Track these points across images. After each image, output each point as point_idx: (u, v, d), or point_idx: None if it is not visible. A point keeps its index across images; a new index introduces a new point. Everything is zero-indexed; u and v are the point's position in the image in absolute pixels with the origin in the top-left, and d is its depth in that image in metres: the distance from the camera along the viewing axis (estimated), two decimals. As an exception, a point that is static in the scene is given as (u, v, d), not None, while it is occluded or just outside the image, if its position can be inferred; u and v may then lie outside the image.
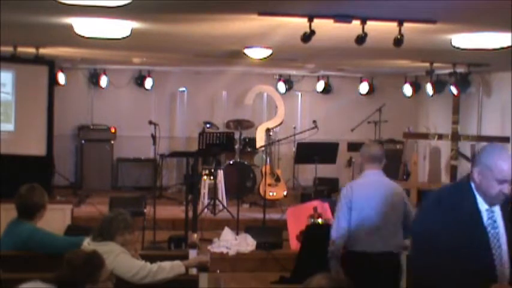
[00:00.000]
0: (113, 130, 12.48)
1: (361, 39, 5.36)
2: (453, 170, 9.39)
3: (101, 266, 3.49)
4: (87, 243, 4.52)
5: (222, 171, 10.54)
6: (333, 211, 7.57)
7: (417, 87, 12.29)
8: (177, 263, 4.58)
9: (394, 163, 11.15)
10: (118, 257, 4.42)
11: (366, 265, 5.04)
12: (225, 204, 10.22)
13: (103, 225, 4.57)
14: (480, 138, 10.34)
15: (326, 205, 8.68)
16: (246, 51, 8.14)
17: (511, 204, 3.51)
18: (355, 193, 5.10)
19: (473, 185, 3.44)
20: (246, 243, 8.47)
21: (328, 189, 11.37)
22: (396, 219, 5.09)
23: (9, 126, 9.33)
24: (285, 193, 10.94)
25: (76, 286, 3.38)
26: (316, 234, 8.11)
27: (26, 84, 9.45)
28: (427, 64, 9.75)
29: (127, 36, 6.46)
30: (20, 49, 8.91)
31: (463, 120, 9.89)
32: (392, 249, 5.09)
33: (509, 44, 6.23)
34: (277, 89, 12.82)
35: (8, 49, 8.77)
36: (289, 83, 13.20)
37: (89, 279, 3.40)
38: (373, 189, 5.15)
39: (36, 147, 9.43)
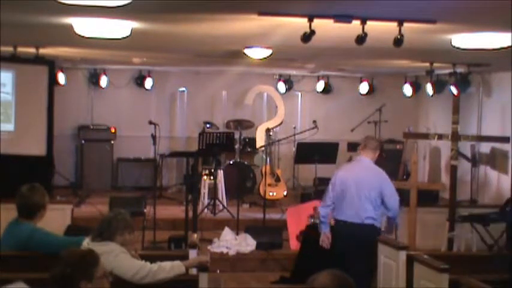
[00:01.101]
0: (113, 130, 12.48)
1: (361, 39, 5.36)
2: (453, 170, 9.37)
3: (95, 263, 3.53)
4: (87, 243, 4.52)
5: (222, 171, 10.55)
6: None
7: (417, 87, 12.28)
8: (177, 263, 4.58)
9: (394, 163, 11.15)
10: (118, 257, 4.42)
11: (344, 231, 6.29)
12: (225, 204, 10.22)
13: (103, 225, 4.56)
14: (480, 138, 10.34)
15: (326, 205, 8.68)
16: (246, 51, 8.13)
17: None
18: (341, 175, 6.41)
19: None
20: (246, 243, 8.47)
21: (328, 189, 11.35)
22: (373, 198, 6.21)
23: (9, 126, 9.33)
24: (285, 193, 10.95)
25: (71, 283, 3.41)
26: (316, 234, 8.13)
27: (26, 84, 9.45)
28: (427, 64, 9.74)
29: (127, 36, 6.46)
30: (20, 49, 8.90)
31: (463, 120, 9.88)
32: (364, 221, 6.20)
33: (509, 44, 6.22)
34: (277, 89, 12.82)
35: (8, 49, 8.76)
36: (289, 83, 13.20)
37: (84, 276, 3.44)
38: (358, 172, 6.38)
39: (36, 147, 9.43)
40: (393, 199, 6.29)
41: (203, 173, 10.43)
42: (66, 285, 3.41)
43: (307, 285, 2.93)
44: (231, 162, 11.14)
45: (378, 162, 6.49)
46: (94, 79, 12.66)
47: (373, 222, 6.22)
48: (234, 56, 8.79)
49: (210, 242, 8.60)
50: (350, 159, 12.15)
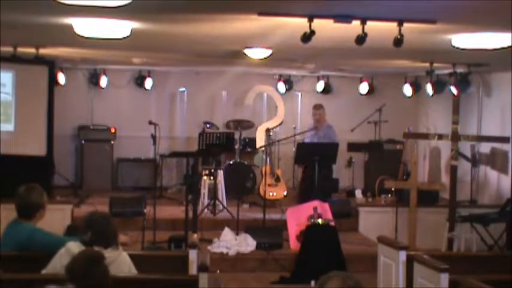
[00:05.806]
0: (113, 130, 12.47)
1: (361, 39, 5.36)
2: (453, 170, 9.38)
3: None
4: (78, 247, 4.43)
5: (222, 172, 10.54)
6: (333, 211, 8.20)
7: (417, 87, 12.27)
8: None
9: (394, 163, 11.14)
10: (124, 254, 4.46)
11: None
12: (225, 204, 10.22)
13: (107, 231, 4.49)
14: (480, 138, 10.33)
15: (326, 205, 8.69)
16: (246, 51, 8.13)
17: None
18: None
19: None
20: (246, 243, 8.47)
21: (328, 189, 11.35)
22: None
23: (9, 126, 9.32)
24: (285, 193, 10.94)
25: None
26: (316, 235, 8.13)
27: (26, 84, 9.45)
28: (427, 64, 9.74)
29: (127, 36, 6.46)
30: (20, 49, 8.90)
31: (463, 120, 9.89)
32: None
33: (509, 44, 6.23)
34: (277, 89, 12.81)
35: (8, 49, 8.77)
36: (289, 83, 13.19)
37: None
38: None
39: (36, 147, 9.43)
40: None
41: (203, 173, 10.41)
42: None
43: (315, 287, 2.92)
44: (231, 163, 11.13)
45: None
46: (94, 79, 12.65)
47: None
48: (234, 56, 8.79)
49: (210, 242, 8.60)
50: (350, 160, 12.23)
